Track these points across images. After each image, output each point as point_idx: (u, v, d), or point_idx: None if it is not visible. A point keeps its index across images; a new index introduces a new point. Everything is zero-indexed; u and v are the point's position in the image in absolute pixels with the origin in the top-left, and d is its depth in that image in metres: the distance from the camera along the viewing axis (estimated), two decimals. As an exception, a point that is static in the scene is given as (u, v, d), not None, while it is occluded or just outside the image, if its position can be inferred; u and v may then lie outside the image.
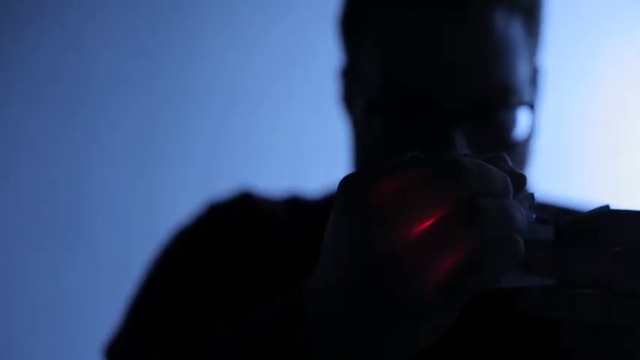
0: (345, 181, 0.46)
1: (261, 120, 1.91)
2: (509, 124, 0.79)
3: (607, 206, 0.52)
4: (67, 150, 1.90)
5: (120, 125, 1.91)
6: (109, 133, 1.91)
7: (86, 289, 1.81)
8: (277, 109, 1.90)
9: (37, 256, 1.86)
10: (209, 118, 1.93)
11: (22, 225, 1.88)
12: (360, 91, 0.84)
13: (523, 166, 0.83)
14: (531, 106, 0.80)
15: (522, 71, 0.80)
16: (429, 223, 0.44)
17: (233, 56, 1.93)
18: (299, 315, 0.49)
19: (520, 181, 0.47)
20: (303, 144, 1.83)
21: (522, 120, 0.79)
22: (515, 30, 0.80)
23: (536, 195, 0.50)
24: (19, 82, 1.89)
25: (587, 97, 1.94)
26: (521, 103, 0.79)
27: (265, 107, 1.91)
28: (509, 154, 0.78)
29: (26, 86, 1.89)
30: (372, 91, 0.82)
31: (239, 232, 0.88)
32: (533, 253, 0.48)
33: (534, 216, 0.49)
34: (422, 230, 0.44)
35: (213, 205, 0.92)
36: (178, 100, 1.92)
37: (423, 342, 0.47)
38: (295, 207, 0.92)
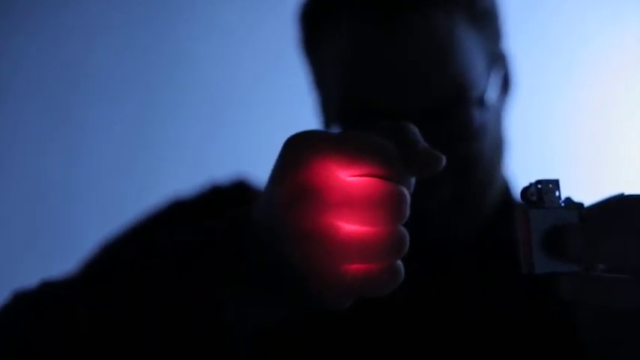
0: (294, 145, 0.48)
1: (253, 116, 1.91)
2: (468, 118, 0.80)
3: (622, 194, 0.53)
4: (58, 149, 1.89)
5: (111, 124, 1.90)
6: (100, 132, 1.90)
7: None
8: (269, 105, 1.90)
9: (28, 257, 1.84)
10: (201, 117, 1.92)
11: (12, 226, 1.86)
12: (322, 106, 0.88)
13: (493, 155, 0.84)
14: (488, 97, 0.81)
15: (475, 66, 0.81)
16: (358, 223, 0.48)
17: (225, 52, 1.93)
18: (243, 224, 0.52)
19: None
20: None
21: (482, 113, 0.80)
22: (459, 28, 0.80)
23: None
24: (11, 79, 1.88)
25: (575, 91, 1.96)
26: (477, 96, 0.80)
27: (257, 103, 1.91)
28: (471, 147, 0.80)
29: (17, 84, 1.88)
30: (328, 107, 0.85)
31: None
32: (564, 238, 0.49)
33: (561, 202, 0.50)
34: (355, 231, 0.48)
35: (213, 186, 0.94)
36: (170, 98, 1.92)
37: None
38: None
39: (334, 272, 0.48)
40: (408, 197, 0.48)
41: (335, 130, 0.82)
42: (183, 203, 0.92)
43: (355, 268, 0.48)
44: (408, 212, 0.48)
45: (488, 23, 0.84)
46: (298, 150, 0.48)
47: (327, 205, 0.47)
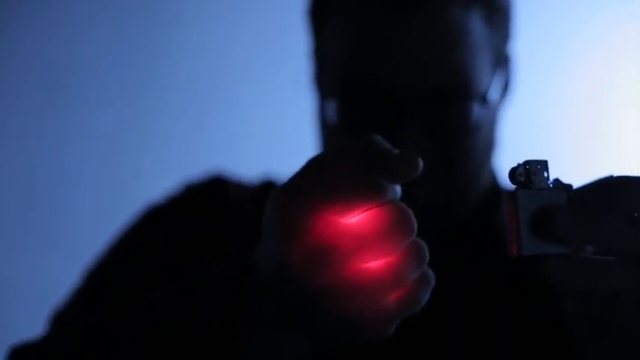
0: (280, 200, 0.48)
1: (242, 108, 1.91)
2: (466, 112, 0.79)
3: (611, 176, 0.53)
4: (48, 142, 1.88)
5: (100, 116, 1.90)
6: (89, 125, 1.89)
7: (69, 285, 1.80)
8: (257, 97, 1.90)
9: (19, 252, 1.84)
10: (190, 109, 1.92)
11: (6, 224, 1.86)
12: (321, 78, 0.87)
13: (484, 152, 0.84)
14: (490, 96, 0.81)
15: (481, 62, 0.80)
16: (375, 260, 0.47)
17: (214, 44, 1.93)
18: (249, 273, 0.51)
19: None
20: (284, 130, 1.84)
21: (480, 109, 0.79)
22: (473, 22, 0.80)
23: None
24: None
25: (565, 79, 1.96)
26: (478, 92, 0.79)
27: (248, 97, 1.92)
28: (464, 142, 0.80)
29: (8, 79, 1.87)
30: (328, 80, 0.84)
31: (211, 215, 0.89)
32: (551, 219, 0.48)
33: (550, 183, 0.50)
34: (370, 267, 0.47)
35: (188, 187, 0.92)
36: (161, 93, 1.92)
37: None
38: (269, 191, 0.92)
39: (375, 309, 0.47)
40: (407, 208, 0.47)
41: (330, 105, 0.81)
42: (159, 210, 0.91)
43: (394, 297, 0.47)
44: (415, 222, 0.47)
45: (501, 21, 0.84)
46: (292, 210, 0.47)
47: (344, 256, 0.46)
